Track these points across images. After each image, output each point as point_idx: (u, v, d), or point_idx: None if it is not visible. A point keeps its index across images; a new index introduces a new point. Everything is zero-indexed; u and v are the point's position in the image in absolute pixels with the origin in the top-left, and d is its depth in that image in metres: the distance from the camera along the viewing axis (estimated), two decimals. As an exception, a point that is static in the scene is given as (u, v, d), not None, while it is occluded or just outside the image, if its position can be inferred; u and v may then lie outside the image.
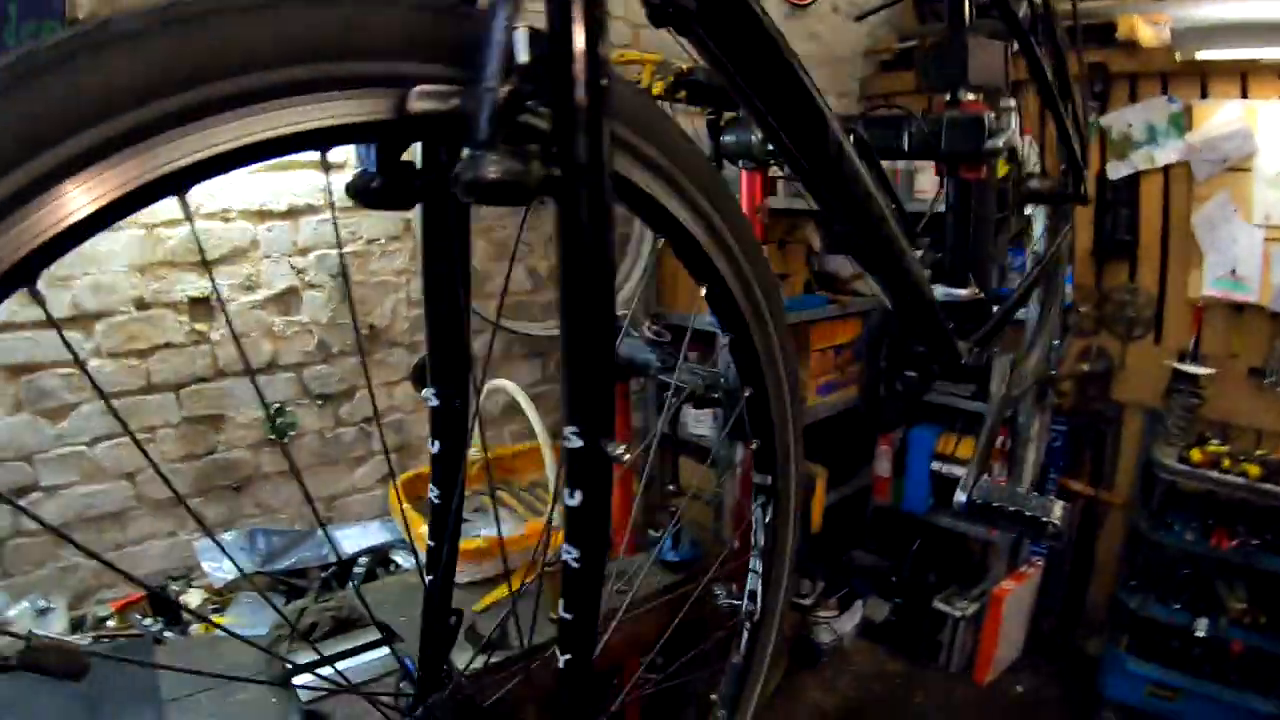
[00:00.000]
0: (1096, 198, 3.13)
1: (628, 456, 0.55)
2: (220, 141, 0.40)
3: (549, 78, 0.47)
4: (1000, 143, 1.10)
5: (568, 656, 0.63)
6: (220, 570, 1.96)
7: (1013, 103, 1.13)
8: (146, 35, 0.37)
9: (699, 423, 2.91)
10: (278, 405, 2.23)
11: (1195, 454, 2.84)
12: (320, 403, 2.29)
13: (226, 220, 2.05)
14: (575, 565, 0.59)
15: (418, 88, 0.46)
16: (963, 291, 1.28)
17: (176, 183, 0.39)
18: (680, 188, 0.65)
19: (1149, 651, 2.90)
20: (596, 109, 0.48)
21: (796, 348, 0.92)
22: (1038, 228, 1.80)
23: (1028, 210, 1.75)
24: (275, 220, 2.13)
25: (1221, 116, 2.95)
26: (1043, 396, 2.29)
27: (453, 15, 0.48)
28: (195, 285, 2.03)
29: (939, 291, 1.27)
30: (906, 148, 1.15)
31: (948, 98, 1.17)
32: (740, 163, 1.33)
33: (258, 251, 2.12)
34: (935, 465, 3.18)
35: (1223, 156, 2.95)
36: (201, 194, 1.97)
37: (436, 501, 0.76)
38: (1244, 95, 2.95)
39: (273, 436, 2.23)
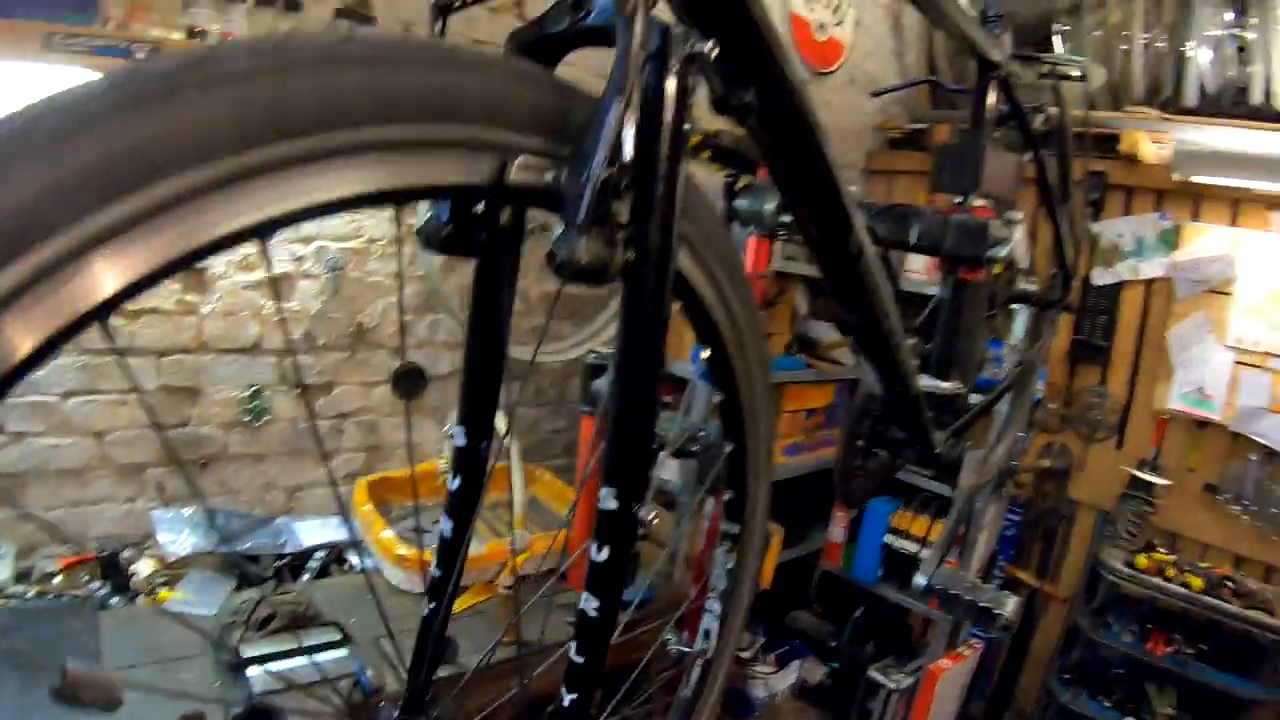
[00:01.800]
0: (1079, 302, 3.23)
1: (656, 520, 0.58)
2: (320, 190, 0.40)
3: (641, 174, 0.50)
4: (1003, 253, 1.14)
5: (574, 696, 0.66)
6: (174, 544, 1.95)
7: (1019, 216, 1.18)
8: (267, 75, 0.38)
9: (667, 469, 2.93)
10: (255, 387, 2.22)
11: (1142, 560, 2.93)
12: (297, 391, 2.29)
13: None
14: (593, 614, 0.63)
15: (520, 158, 0.48)
16: (946, 385, 1.32)
17: (271, 229, 0.40)
18: (704, 262, 0.70)
19: (1074, 745, 2.94)
20: (673, 207, 0.52)
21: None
22: (1019, 324, 1.86)
23: (1013, 306, 1.82)
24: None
25: (1209, 240, 3.06)
26: (1000, 485, 2.35)
27: (557, 91, 0.51)
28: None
29: (924, 382, 1.31)
30: (912, 241, 1.19)
31: (958, 200, 1.22)
32: (751, 228, 1.37)
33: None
34: (889, 538, 3.23)
35: (1205, 278, 3.06)
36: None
37: (448, 536, 0.79)
38: (1234, 222, 3.07)
39: (247, 418, 2.22)
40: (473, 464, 0.74)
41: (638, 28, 0.48)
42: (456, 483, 0.75)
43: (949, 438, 1.39)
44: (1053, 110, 1.52)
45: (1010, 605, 1.33)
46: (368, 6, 2.12)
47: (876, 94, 2.08)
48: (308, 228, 2.19)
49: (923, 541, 3.02)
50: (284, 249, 2.18)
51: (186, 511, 2.09)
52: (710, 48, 0.53)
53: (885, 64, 3.86)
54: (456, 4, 0.60)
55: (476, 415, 0.72)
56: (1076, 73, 1.59)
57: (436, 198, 0.48)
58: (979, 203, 1.21)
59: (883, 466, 1.41)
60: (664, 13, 0.54)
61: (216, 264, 2.08)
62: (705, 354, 0.78)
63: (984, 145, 1.18)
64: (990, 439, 1.73)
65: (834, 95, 3.56)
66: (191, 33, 1.81)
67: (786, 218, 1.20)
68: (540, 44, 0.58)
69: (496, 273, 0.65)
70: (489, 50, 0.49)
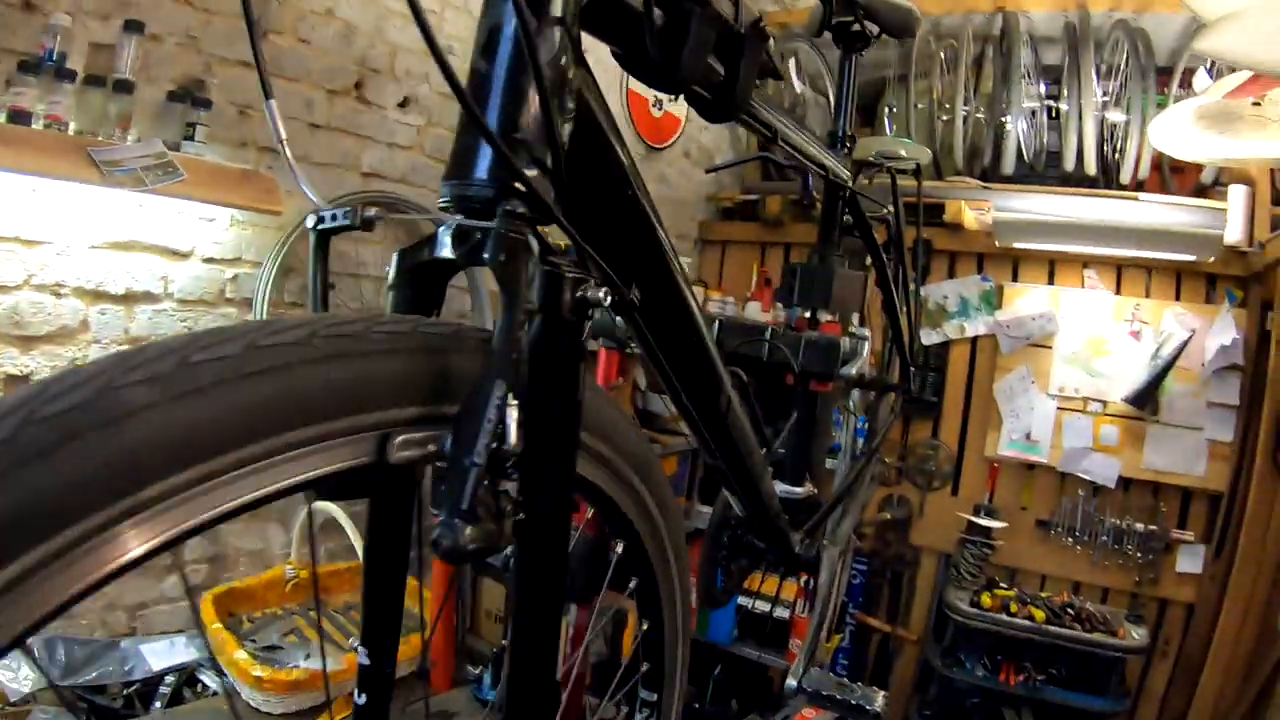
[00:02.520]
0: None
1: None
2: (219, 504, 0.39)
3: (530, 454, 0.48)
4: (854, 370, 1.18)
5: None
6: (13, 680, 1.70)
7: (866, 332, 1.22)
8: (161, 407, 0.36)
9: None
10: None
11: (986, 599, 3.10)
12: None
13: (58, 295, 1.86)
14: None
15: (400, 437, 0.46)
16: (800, 490, 1.35)
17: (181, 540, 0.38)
18: (619, 473, 0.70)
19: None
20: (568, 478, 0.52)
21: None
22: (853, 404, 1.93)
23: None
24: (109, 303, 1.95)
25: (1029, 299, 3.32)
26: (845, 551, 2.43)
27: (436, 347, 0.49)
28: (15, 362, 1.81)
29: (779, 488, 1.33)
30: (764, 358, 1.21)
31: (808, 314, 1.25)
32: (601, 341, 1.36)
33: (87, 334, 1.91)
34: (742, 599, 3.26)
35: (1027, 334, 3.30)
36: (34, 264, 1.79)
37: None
38: (1051, 280, 3.35)
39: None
40: (379, 683, 0.69)
41: (521, 296, 0.48)
42: (362, 699, 0.69)
43: (804, 537, 1.41)
44: (888, 211, 1.59)
45: (879, 700, 1.37)
46: (204, 89, 1.98)
47: (711, 170, 2.14)
48: (137, 327, 1.98)
49: (774, 599, 3.08)
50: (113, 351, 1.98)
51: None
52: (605, 295, 0.53)
53: (718, 136, 4.01)
54: (336, 227, 0.58)
55: (380, 636, 0.68)
56: (912, 165, 1.67)
57: (323, 485, 0.44)
58: (828, 318, 1.24)
59: (743, 571, 1.42)
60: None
61: (42, 370, 1.86)
62: (619, 546, 0.76)
63: (833, 267, 1.21)
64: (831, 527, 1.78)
65: (669, 168, 3.64)
66: (13, 114, 1.63)
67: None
68: (429, 267, 0.56)
69: (392, 508, 0.62)
70: (352, 323, 0.46)
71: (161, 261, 2.01)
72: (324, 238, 0.60)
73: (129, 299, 1.97)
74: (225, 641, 1.62)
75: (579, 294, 0.52)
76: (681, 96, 0.70)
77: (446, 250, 0.54)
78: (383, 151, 2.52)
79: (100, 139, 1.74)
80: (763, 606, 3.19)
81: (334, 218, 0.58)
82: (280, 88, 2.20)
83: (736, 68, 0.73)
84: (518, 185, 0.50)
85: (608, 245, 0.60)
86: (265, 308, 2.17)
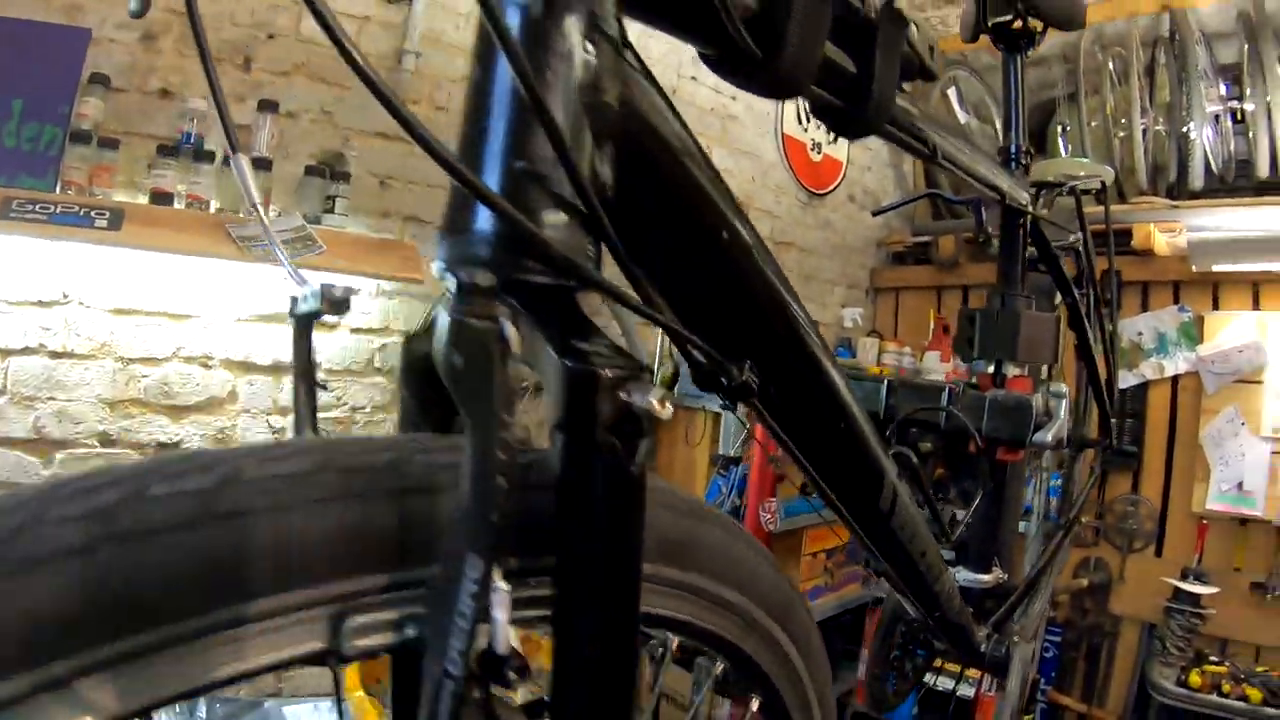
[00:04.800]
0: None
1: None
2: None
3: (565, 664, 0.34)
4: (1049, 436, 0.97)
5: None
6: None
7: (1064, 389, 1.01)
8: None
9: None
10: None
11: (1195, 677, 2.70)
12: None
13: (207, 367, 1.90)
14: None
15: (353, 622, 0.32)
16: (986, 577, 1.15)
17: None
18: (754, 622, 0.54)
19: None
20: (629, 687, 0.35)
21: (788, 552, 0.80)
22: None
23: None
24: (258, 374, 1.99)
25: (1234, 329, 2.91)
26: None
27: (413, 488, 0.34)
28: (165, 430, 1.86)
29: (961, 576, 1.13)
30: (941, 425, 1.02)
31: (991, 369, 1.05)
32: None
33: (235, 404, 1.96)
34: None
35: (1234, 369, 2.90)
36: (185, 337, 1.85)
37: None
38: (1255, 305, 2.94)
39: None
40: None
41: (492, 419, 0.32)
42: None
43: (991, 631, 1.19)
44: (1076, 239, 1.37)
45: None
46: (344, 162, 2.00)
47: (878, 212, 1.96)
48: (285, 396, 2.03)
49: (958, 677, 2.78)
50: (262, 420, 2.01)
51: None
52: (663, 400, 0.35)
53: (883, 177, 3.81)
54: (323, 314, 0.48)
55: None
56: (1097, 185, 1.44)
57: (279, 670, 0.31)
58: (1015, 372, 1.04)
59: (919, 670, 1.21)
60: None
61: (191, 439, 1.91)
62: (755, 703, 0.60)
63: (1019, 309, 1.01)
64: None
65: (833, 214, 3.48)
66: (156, 195, 1.68)
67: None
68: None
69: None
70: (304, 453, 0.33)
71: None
72: (305, 322, 0.49)
73: (277, 369, 2.00)
74: (366, 711, 1.56)
75: (622, 400, 0.35)
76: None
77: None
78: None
79: (240, 216, 1.76)
80: (945, 683, 2.89)
81: (306, 300, 0.46)
82: (420, 157, 2.20)
83: (870, 62, 0.56)
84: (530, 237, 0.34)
85: (704, 308, 0.45)
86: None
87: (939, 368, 3.20)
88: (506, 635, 0.31)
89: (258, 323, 1.96)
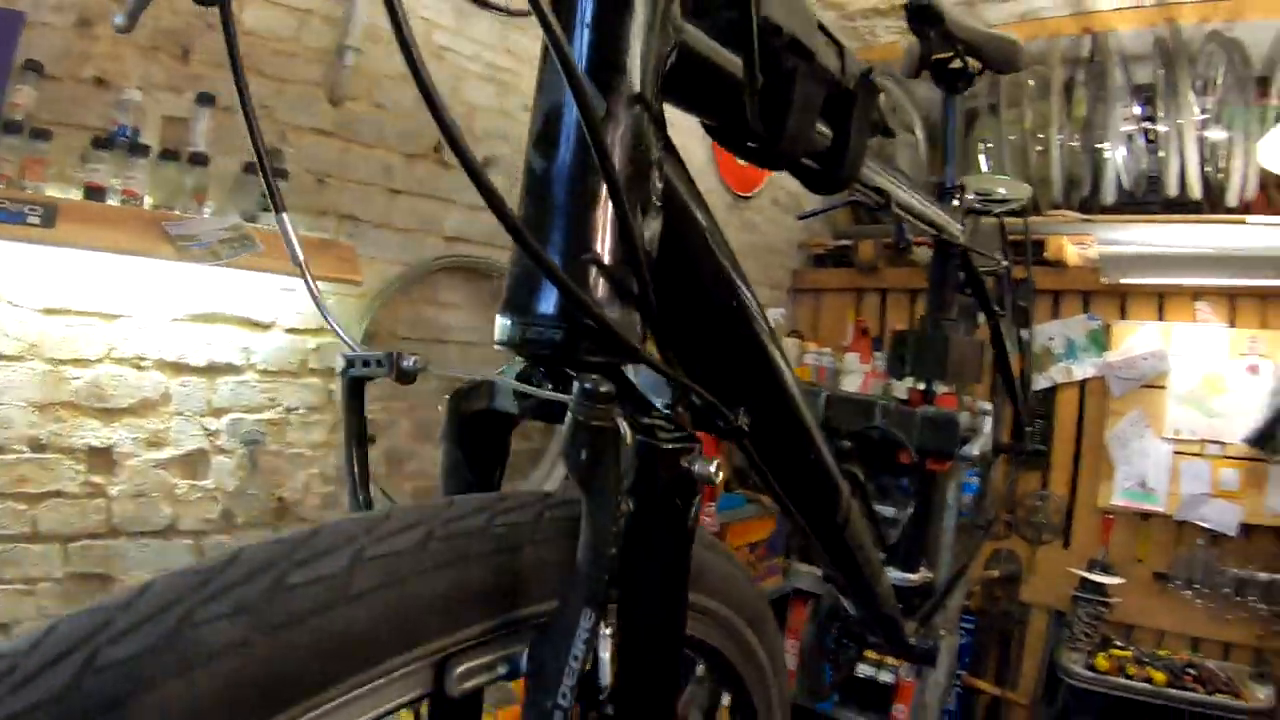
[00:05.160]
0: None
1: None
2: None
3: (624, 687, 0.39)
4: (975, 450, 1.05)
5: None
6: None
7: (988, 406, 1.09)
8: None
9: None
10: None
11: (1101, 661, 2.88)
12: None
13: (139, 368, 1.85)
14: None
15: (460, 669, 0.37)
16: (914, 576, 1.23)
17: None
18: (732, 629, 0.60)
19: None
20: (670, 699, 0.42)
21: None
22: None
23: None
24: (191, 375, 1.94)
25: (1140, 337, 3.10)
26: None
27: (499, 544, 0.39)
28: (97, 434, 1.81)
29: (892, 575, 1.20)
30: (875, 437, 1.09)
31: (921, 386, 1.12)
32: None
33: (169, 406, 1.91)
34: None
35: (1139, 375, 3.09)
36: (115, 337, 1.79)
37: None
38: (1161, 316, 3.14)
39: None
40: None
41: (612, 503, 0.37)
42: None
43: (919, 626, 1.27)
44: (1002, 265, 1.46)
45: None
46: (281, 158, 1.96)
47: (802, 217, 2.02)
48: (219, 398, 1.98)
49: (879, 664, 2.89)
50: (196, 422, 1.97)
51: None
52: (715, 469, 0.41)
53: (807, 182, 3.86)
54: (368, 374, 0.50)
55: None
56: (1018, 205, 1.53)
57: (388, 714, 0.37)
58: (944, 390, 1.12)
59: (851, 663, 1.28)
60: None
61: (124, 442, 1.86)
62: (727, 699, 0.66)
63: (947, 334, 1.09)
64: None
65: (757, 216, 3.55)
66: (90, 190, 1.63)
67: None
68: (486, 417, 0.47)
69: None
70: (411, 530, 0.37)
71: (243, 333, 1.99)
72: (357, 386, 0.51)
73: (211, 371, 1.96)
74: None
75: (684, 468, 0.40)
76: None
77: (507, 402, 0.44)
78: (465, 214, 2.47)
79: (176, 212, 1.73)
80: (866, 670, 3.01)
81: (366, 364, 0.49)
82: (358, 154, 2.18)
83: (846, 131, 0.62)
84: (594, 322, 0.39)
85: (706, 363, 0.50)
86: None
87: (858, 368, 3.33)
88: (610, 672, 0.37)
89: (192, 323, 1.91)
